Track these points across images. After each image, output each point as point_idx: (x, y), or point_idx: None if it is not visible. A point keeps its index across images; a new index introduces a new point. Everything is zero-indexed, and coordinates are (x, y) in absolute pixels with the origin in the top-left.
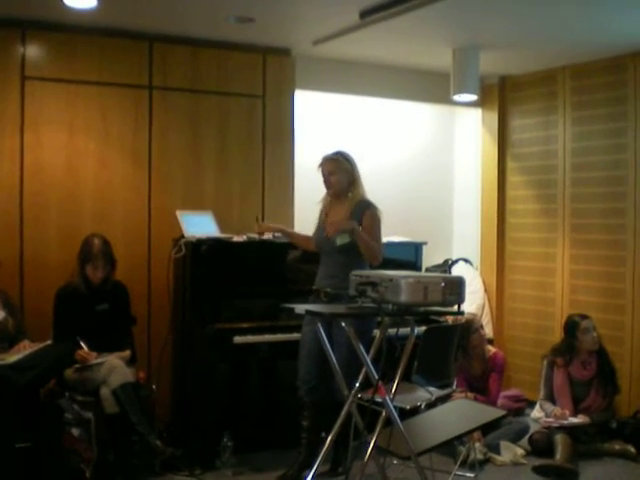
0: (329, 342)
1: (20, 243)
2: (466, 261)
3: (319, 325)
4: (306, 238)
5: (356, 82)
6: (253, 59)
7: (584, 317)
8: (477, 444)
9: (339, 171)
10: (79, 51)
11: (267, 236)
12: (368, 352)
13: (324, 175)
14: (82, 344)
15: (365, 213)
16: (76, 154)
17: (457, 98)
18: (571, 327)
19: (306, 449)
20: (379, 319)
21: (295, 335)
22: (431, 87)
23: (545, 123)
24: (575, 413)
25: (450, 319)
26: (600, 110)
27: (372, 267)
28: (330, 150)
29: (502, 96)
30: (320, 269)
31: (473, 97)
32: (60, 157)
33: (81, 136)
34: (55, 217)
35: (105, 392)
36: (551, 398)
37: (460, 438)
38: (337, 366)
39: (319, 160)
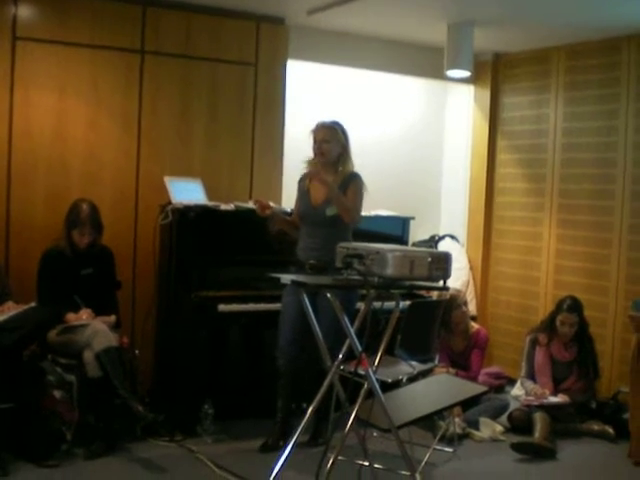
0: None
1: (7, 203)
2: (452, 237)
3: (304, 296)
4: (293, 223)
5: (349, 54)
6: (246, 27)
7: (572, 309)
8: (457, 419)
9: (333, 140)
10: (72, 13)
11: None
12: (351, 324)
13: (316, 141)
14: (77, 300)
15: (350, 184)
16: (66, 116)
17: (450, 74)
18: (555, 309)
19: (282, 419)
20: (363, 292)
21: (279, 305)
22: (424, 62)
23: (537, 102)
24: (555, 393)
25: (435, 294)
26: (593, 91)
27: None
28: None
29: (495, 73)
30: (303, 240)
31: (466, 73)
32: (50, 119)
33: (71, 98)
34: (43, 178)
35: (88, 356)
36: (532, 376)
37: (440, 413)
38: (321, 337)
39: (308, 131)
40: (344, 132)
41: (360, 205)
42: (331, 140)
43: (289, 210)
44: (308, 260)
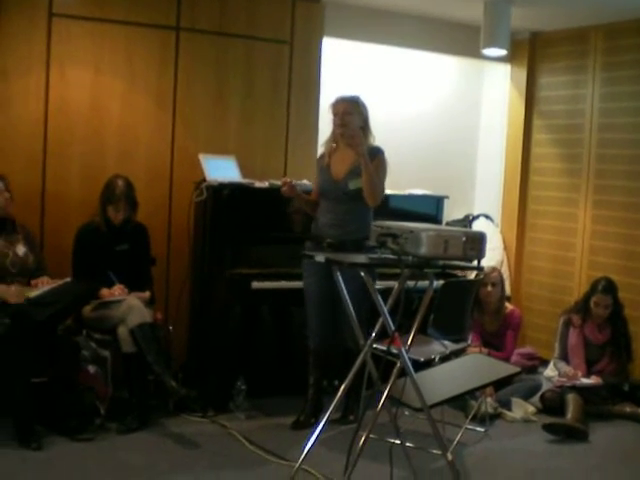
0: (332, 291)
1: (42, 179)
2: (487, 217)
3: (338, 274)
4: (313, 200)
5: (385, 32)
6: (282, 4)
7: (607, 290)
8: (489, 399)
9: (355, 112)
10: None
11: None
12: (369, 303)
13: (338, 114)
14: (111, 276)
15: (375, 158)
16: (101, 93)
17: (486, 52)
18: (590, 290)
19: (313, 396)
20: (384, 271)
21: None
22: (461, 40)
23: (574, 82)
24: (588, 374)
25: (472, 274)
26: (630, 71)
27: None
28: None
29: (532, 52)
30: (323, 215)
31: (503, 52)
32: (85, 96)
33: (106, 75)
34: (78, 155)
35: (123, 331)
36: (565, 357)
37: (472, 392)
38: (354, 315)
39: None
40: (364, 106)
41: (384, 184)
42: (353, 112)
43: (310, 185)
44: (327, 237)
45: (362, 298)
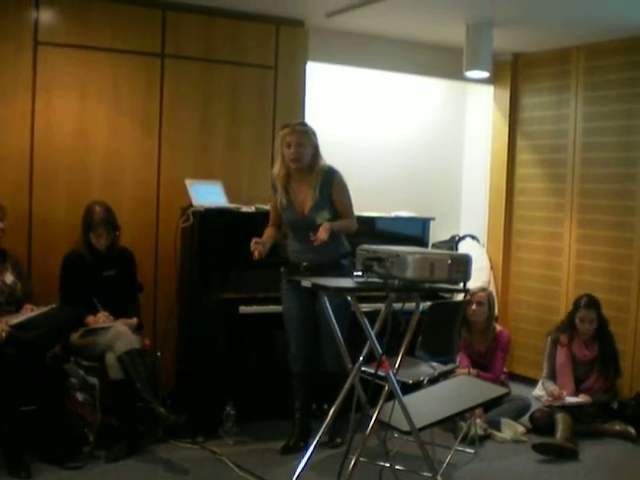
0: (313, 314)
1: (29, 206)
2: (473, 238)
3: (325, 299)
4: (274, 234)
5: (368, 55)
6: (266, 30)
7: (589, 305)
8: (478, 420)
9: (307, 143)
10: (92, 17)
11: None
12: (348, 325)
13: (291, 145)
14: (96, 303)
15: (333, 182)
16: (87, 120)
17: (469, 74)
18: (574, 307)
19: (300, 420)
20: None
21: None
22: (443, 62)
23: (557, 102)
24: (577, 393)
25: (459, 296)
26: (613, 91)
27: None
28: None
29: (514, 73)
30: (294, 244)
31: (485, 74)
32: (71, 123)
33: (92, 103)
34: (64, 182)
35: (110, 358)
36: (553, 376)
37: (462, 414)
38: (341, 338)
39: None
40: (314, 133)
41: (352, 203)
42: (306, 143)
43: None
44: (302, 262)
45: (342, 317)
